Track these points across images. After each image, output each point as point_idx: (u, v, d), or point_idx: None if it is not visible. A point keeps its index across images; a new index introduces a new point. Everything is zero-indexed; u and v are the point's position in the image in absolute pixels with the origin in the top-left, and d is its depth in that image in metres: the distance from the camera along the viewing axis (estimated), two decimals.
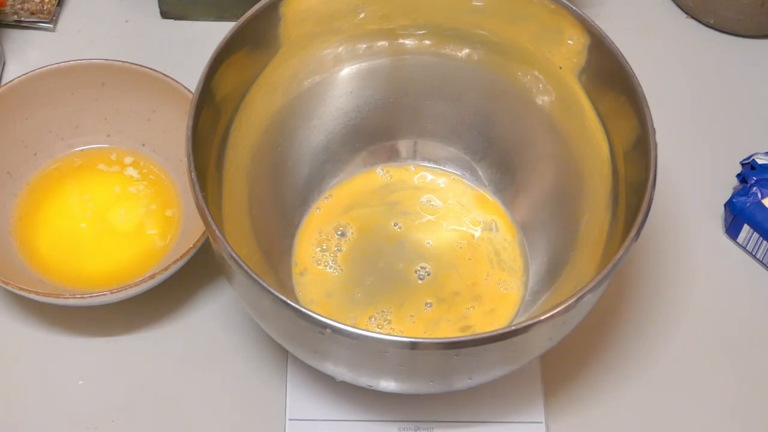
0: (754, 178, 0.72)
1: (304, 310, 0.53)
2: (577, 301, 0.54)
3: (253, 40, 0.63)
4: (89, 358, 0.67)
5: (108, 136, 0.73)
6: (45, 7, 0.81)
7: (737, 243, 0.73)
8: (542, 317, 0.53)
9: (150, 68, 0.71)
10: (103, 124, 0.73)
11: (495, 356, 0.56)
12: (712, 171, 0.76)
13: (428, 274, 0.67)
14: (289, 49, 0.66)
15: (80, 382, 0.66)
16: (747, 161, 0.74)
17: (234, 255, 0.54)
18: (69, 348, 0.67)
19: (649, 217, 0.57)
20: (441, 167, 0.72)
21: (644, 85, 0.60)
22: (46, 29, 0.82)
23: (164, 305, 0.68)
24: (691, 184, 0.76)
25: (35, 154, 0.72)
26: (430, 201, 0.71)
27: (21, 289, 0.63)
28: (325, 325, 0.52)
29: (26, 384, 0.66)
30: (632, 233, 0.56)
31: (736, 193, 0.72)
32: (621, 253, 0.55)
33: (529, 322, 0.53)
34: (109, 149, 0.73)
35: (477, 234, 0.69)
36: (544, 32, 0.65)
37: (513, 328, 0.53)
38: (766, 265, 0.72)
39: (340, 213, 0.70)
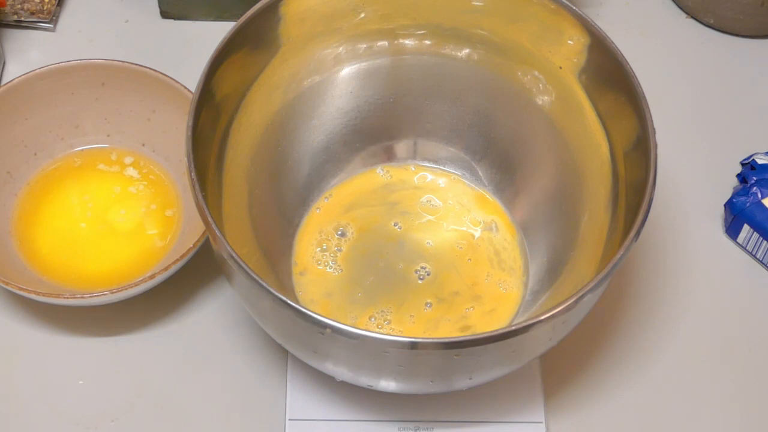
0: (754, 178, 0.72)
1: (304, 310, 0.53)
2: (577, 301, 0.54)
3: (253, 40, 0.63)
4: (89, 358, 0.67)
5: (108, 136, 0.73)
6: (45, 7, 0.81)
7: (737, 243, 0.73)
8: (542, 317, 0.53)
9: (150, 68, 0.71)
10: (103, 124, 0.73)
11: (495, 356, 0.56)
12: (712, 171, 0.76)
13: (428, 274, 0.67)
14: (289, 49, 0.66)
15: (80, 382, 0.66)
16: (747, 161, 0.74)
17: (234, 255, 0.54)
18: (69, 348, 0.67)
19: (649, 217, 0.57)
20: (441, 167, 0.72)
21: (644, 85, 0.60)
22: (46, 29, 0.82)
23: (164, 305, 0.68)
24: (691, 184, 0.76)
25: (35, 154, 0.72)
26: (430, 201, 0.71)
27: (21, 289, 0.63)
28: (325, 325, 0.52)
29: (26, 384, 0.66)
30: (632, 233, 0.56)
31: (736, 193, 0.72)
32: (621, 253, 0.55)
33: (529, 322, 0.53)
34: (109, 149, 0.73)
35: (477, 234, 0.69)
36: (544, 32, 0.65)
37: (513, 328, 0.53)
38: (766, 265, 0.72)
39: (340, 213, 0.70)
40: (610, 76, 0.62)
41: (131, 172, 0.73)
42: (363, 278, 0.67)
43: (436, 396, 0.64)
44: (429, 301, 0.66)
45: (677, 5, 0.86)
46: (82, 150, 0.73)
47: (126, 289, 0.63)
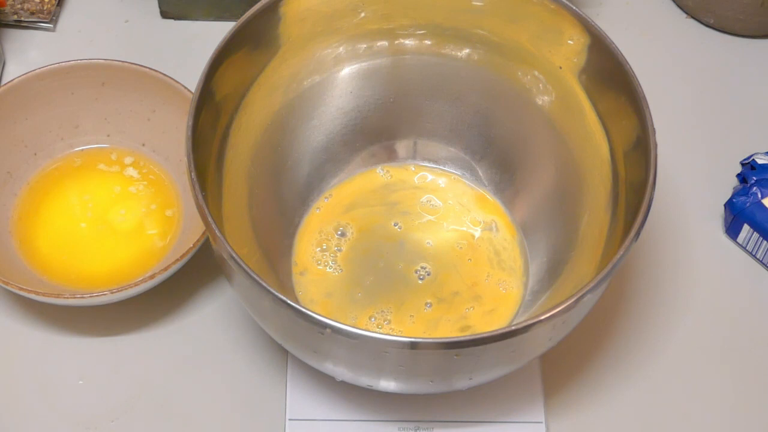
0: (754, 178, 0.72)
1: (304, 310, 0.53)
2: (577, 301, 0.54)
3: (253, 40, 0.64)
4: (89, 358, 0.67)
5: (108, 136, 0.73)
6: (45, 7, 0.81)
7: (737, 243, 0.73)
8: (542, 317, 0.53)
9: (150, 68, 0.71)
10: (103, 124, 0.73)
11: (495, 356, 0.56)
12: (712, 171, 0.76)
13: (428, 274, 0.67)
14: (289, 49, 0.66)
15: (80, 382, 0.66)
16: (747, 161, 0.74)
17: (234, 255, 0.54)
18: (69, 348, 0.67)
19: (649, 217, 0.57)
20: (441, 167, 0.72)
21: (644, 85, 0.60)
22: (46, 29, 0.82)
23: (164, 305, 0.68)
24: (691, 184, 0.76)
25: (35, 154, 0.72)
26: (430, 201, 0.71)
27: (21, 289, 0.63)
28: (325, 325, 0.52)
29: (26, 384, 0.66)
30: (632, 233, 0.56)
31: (736, 193, 0.72)
32: (621, 253, 0.55)
33: (529, 322, 0.53)
34: (109, 149, 0.73)
35: (477, 234, 0.69)
36: (544, 32, 0.65)
37: (513, 328, 0.53)
38: (766, 265, 0.72)
39: (340, 213, 0.70)
40: (610, 76, 0.62)
41: (131, 172, 0.73)
42: (363, 278, 0.67)
43: (436, 396, 0.64)
44: (429, 301, 0.66)
45: (677, 5, 0.86)
46: (82, 150, 0.73)
47: (126, 289, 0.63)
